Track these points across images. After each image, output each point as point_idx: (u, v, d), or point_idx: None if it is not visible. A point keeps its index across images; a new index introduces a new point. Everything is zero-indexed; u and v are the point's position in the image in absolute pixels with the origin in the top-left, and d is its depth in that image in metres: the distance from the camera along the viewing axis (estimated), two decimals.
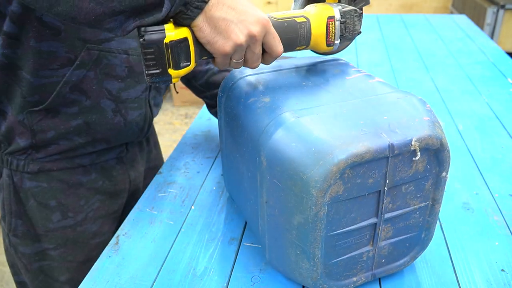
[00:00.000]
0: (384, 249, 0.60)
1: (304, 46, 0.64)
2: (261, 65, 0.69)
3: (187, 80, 1.00)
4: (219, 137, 0.75)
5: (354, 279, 0.60)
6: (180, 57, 0.54)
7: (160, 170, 0.91)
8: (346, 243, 0.57)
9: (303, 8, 0.66)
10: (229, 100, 0.66)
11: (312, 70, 0.69)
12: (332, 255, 0.57)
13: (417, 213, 0.59)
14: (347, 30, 0.65)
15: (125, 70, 0.75)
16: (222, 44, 0.54)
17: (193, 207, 0.80)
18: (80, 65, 0.70)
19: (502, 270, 0.66)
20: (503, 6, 2.66)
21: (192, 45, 0.55)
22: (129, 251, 0.70)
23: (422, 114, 0.55)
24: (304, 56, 0.76)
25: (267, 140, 0.53)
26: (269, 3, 3.67)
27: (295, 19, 0.61)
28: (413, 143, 0.52)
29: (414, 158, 0.53)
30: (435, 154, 0.55)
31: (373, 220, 0.56)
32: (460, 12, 3.11)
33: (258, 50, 0.57)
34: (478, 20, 2.79)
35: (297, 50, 0.64)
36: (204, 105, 1.13)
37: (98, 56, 0.71)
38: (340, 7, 0.64)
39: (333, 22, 0.63)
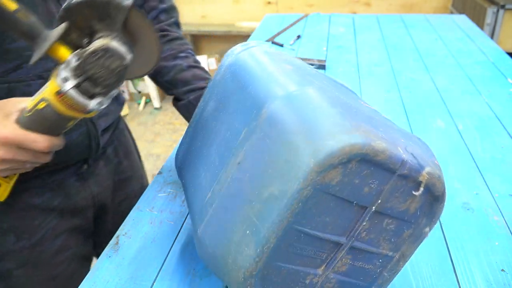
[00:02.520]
0: (330, 283, 0.53)
1: (72, 121, 0.56)
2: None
3: (152, 77, 0.92)
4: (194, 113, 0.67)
5: None
6: None
7: (160, 170, 0.91)
8: (302, 250, 0.49)
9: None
10: (242, 58, 0.59)
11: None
12: (280, 256, 0.48)
13: (380, 260, 0.53)
14: (101, 82, 0.51)
15: None
16: None
17: None
18: None
19: (502, 270, 0.66)
20: (503, 6, 2.66)
21: None
22: (129, 251, 0.70)
23: (433, 157, 0.52)
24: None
25: (282, 94, 0.48)
26: (269, 3, 3.67)
27: (37, 107, 0.53)
28: (424, 172, 0.47)
29: (414, 192, 0.49)
30: (432, 201, 0.51)
31: (341, 239, 0.50)
32: (460, 12, 3.11)
33: (24, 157, 0.55)
34: (478, 20, 2.79)
35: (69, 127, 0.56)
36: None
37: (8, 89, 0.65)
38: (73, 64, 0.50)
39: (64, 96, 0.50)
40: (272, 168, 0.45)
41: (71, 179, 0.81)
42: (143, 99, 3.35)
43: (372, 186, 0.47)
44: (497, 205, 0.80)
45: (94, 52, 0.49)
